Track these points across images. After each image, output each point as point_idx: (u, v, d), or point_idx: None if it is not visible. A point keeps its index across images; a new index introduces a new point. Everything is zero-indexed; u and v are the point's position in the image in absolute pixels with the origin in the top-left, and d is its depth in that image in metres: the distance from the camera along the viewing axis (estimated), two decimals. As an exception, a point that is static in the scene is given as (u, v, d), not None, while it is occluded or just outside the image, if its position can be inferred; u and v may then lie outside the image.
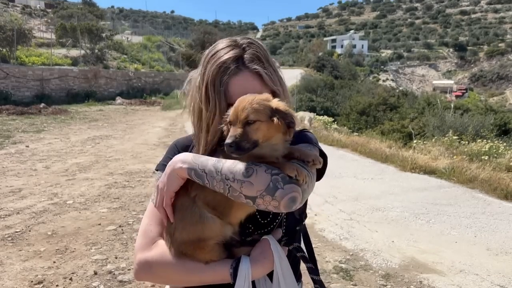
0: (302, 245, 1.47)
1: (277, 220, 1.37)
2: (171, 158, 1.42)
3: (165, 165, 1.41)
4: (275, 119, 1.20)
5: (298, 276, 1.49)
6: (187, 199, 1.29)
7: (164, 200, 1.30)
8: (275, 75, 1.42)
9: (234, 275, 1.24)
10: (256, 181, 1.15)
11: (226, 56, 1.35)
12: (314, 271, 1.35)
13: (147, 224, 1.38)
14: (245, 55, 1.36)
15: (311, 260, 1.43)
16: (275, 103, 1.24)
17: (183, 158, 1.28)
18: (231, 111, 1.23)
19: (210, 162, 1.23)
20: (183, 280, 1.32)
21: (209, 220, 1.25)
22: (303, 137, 1.45)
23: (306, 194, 1.21)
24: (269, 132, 1.21)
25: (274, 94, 1.36)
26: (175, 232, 1.29)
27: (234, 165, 1.19)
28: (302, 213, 1.47)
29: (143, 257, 1.34)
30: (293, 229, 1.44)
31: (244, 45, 1.38)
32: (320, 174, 1.42)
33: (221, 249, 1.28)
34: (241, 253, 1.29)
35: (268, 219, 1.36)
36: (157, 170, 1.50)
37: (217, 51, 1.39)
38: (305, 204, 1.47)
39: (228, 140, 1.15)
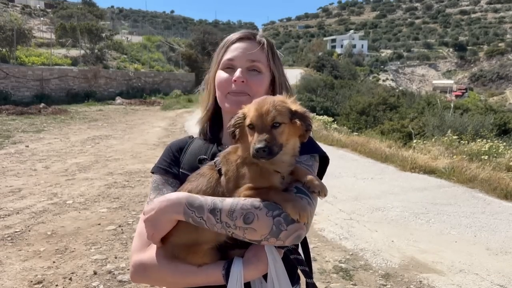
0: (300, 249, 1.45)
1: None
2: (166, 160, 1.51)
3: (160, 168, 1.49)
4: (297, 122, 1.22)
5: (295, 279, 1.47)
6: None
7: (153, 240, 1.31)
8: (279, 63, 1.55)
9: (227, 276, 1.25)
10: (259, 227, 1.17)
11: (237, 34, 1.54)
12: (307, 274, 1.33)
13: (143, 226, 1.37)
14: (256, 35, 1.54)
15: (307, 262, 1.42)
16: (294, 104, 1.26)
17: (171, 202, 1.25)
18: (251, 113, 1.22)
19: (207, 207, 1.21)
20: (177, 283, 1.33)
21: (204, 229, 1.25)
22: (305, 144, 1.42)
23: (310, 224, 1.25)
24: (289, 135, 1.23)
25: (273, 80, 1.52)
26: (169, 237, 1.30)
27: (233, 211, 1.19)
28: None
29: (138, 259, 1.36)
30: None
31: (256, 34, 1.55)
32: (320, 176, 1.45)
33: (215, 252, 1.29)
34: (235, 254, 1.29)
35: None
36: (152, 173, 1.52)
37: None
38: None
39: (259, 145, 1.15)
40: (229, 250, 1.31)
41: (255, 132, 1.20)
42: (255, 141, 1.18)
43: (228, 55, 1.48)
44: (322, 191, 1.26)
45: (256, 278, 1.29)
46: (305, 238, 1.50)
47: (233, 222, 1.18)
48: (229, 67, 1.48)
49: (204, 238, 1.27)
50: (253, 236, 1.18)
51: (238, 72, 1.45)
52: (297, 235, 1.18)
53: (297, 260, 1.33)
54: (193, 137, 1.68)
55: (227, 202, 1.21)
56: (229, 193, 1.26)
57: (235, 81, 1.44)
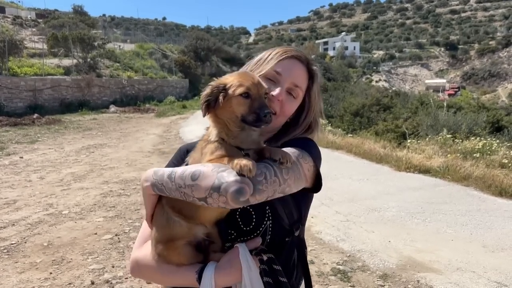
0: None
1: (260, 228, 1.34)
2: (173, 162, 1.58)
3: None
4: None
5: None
6: (159, 204, 1.35)
7: (146, 220, 1.41)
8: (318, 100, 1.56)
9: (199, 280, 1.26)
10: (203, 181, 1.16)
11: (294, 52, 1.52)
12: (287, 285, 1.27)
13: (145, 224, 1.46)
14: (311, 64, 1.55)
15: (305, 276, 1.42)
16: None
17: (146, 176, 1.33)
18: (246, 82, 1.25)
19: (166, 173, 1.26)
20: (161, 281, 1.40)
21: (175, 222, 1.29)
22: (301, 143, 1.43)
23: (265, 187, 1.17)
24: None
25: (302, 109, 1.53)
26: (153, 234, 1.37)
27: (184, 172, 1.21)
28: (294, 223, 1.41)
29: (134, 256, 1.45)
30: (281, 239, 1.38)
31: (311, 61, 1.56)
32: (317, 186, 1.42)
33: (193, 252, 1.30)
34: (213, 259, 1.30)
35: (251, 226, 1.33)
36: None
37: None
38: (299, 214, 1.43)
39: (268, 110, 1.23)
40: (212, 253, 1.32)
41: (252, 100, 1.24)
42: (260, 106, 1.22)
43: (278, 68, 1.46)
44: (283, 158, 1.22)
45: (230, 285, 1.27)
46: (302, 251, 1.46)
47: (183, 181, 1.19)
48: (271, 79, 1.46)
49: (175, 233, 1.30)
50: (199, 193, 1.17)
51: (278, 90, 1.43)
52: (238, 188, 1.12)
53: (268, 284, 1.25)
54: None
55: (183, 167, 1.26)
56: None
57: (272, 95, 1.43)
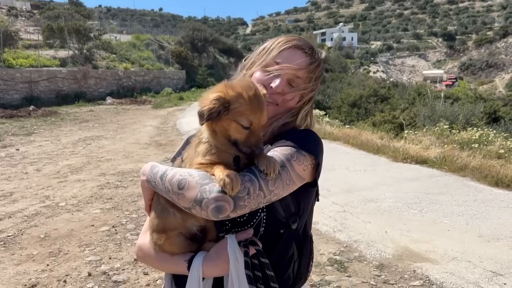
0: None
1: (254, 220, 1.33)
2: (180, 152, 1.58)
3: (175, 158, 1.58)
4: None
5: (290, 283, 1.41)
6: (156, 194, 1.37)
7: (145, 210, 1.46)
8: (317, 84, 1.53)
9: (189, 268, 1.28)
10: (188, 192, 1.19)
11: (296, 41, 1.50)
12: (273, 279, 1.25)
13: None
14: (314, 52, 1.51)
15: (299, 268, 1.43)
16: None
17: (143, 169, 1.37)
18: (250, 113, 1.20)
19: (159, 173, 1.29)
20: (158, 267, 1.47)
21: (169, 213, 1.31)
22: (299, 136, 1.41)
23: (248, 202, 1.17)
24: None
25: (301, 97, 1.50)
26: (149, 222, 1.40)
27: (173, 177, 1.23)
28: (290, 216, 1.38)
29: (138, 242, 1.49)
30: (275, 232, 1.36)
31: (314, 49, 1.53)
32: (314, 182, 1.42)
33: (186, 242, 1.32)
34: (205, 248, 1.31)
35: (245, 217, 1.32)
36: (171, 161, 1.61)
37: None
38: (298, 207, 1.40)
39: (261, 146, 1.25)
40: (204, 243, 1.33)
41: (251, 132, 1.22)
42: (256, 143, 1.22)
43: (278, 58, 1.44)
44: (267, 168, 1.20)
45: (218, 275, 1.28)
46: (303, 244, 1.44)
47: (171, 187, 1.22)
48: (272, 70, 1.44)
49: (169, 223, 1.32)
50: (184, 202, 1.20)
51: (278, 82, 1.42)
52: (217, 206, 1.14)
53: (248, 277, 1.23)
54: None
55: (175, 169, 1.27)
56: None
57: (272, 87, 1.42)
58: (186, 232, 1.31)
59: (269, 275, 1.26)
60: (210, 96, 1.22)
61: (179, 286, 1.40)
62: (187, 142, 1.60)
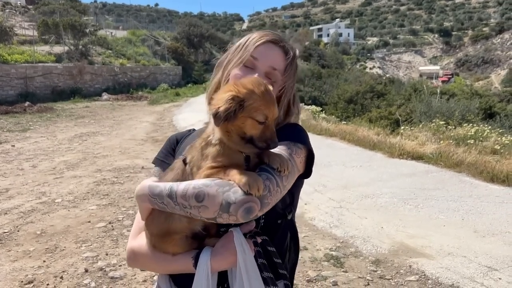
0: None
1: None
2: (163, 152, 1.60)
3: (158, 159, 1.58)
4: None
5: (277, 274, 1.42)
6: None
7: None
8: (293, 75, 1.54)
9: (195, 265, 1.28)
10: (210, 203, 1.17)
11: (268, 36, 1.51)
12: (272, 280, 1.28)
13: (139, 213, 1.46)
14: (286, 44, 1.53)
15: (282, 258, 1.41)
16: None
17: (140, 192, 1.34)
18: (266, 109, 1.21)
19: (165, 192, 1.25)
20: (157, 269, 1.43)
21: (175, 219, 1.29)
22: (291, 131, 1.44)
23: (270, 199, 1.20)
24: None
25: (281, 90, 1.51)
26: (148, 227, 1.37)
27: (186, 191, 1.21)
28: (286, 207, 1.43)
29: (129, 245, 1.46)
30: (273, 222, 1.41)
31: (286, 42, 1.55)
32: (307, 172, 1.44)
33: (188, 241, 1.32)
34: (209, 244, 1.31)
35: None
36: (153, 163, 1.61)
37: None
38: (292, 198, 1.45)
39: (276, 140, 1.24)
40: (207, 238, 1.33)
41: (266, 126, 1.23)
42: (271, 137, 1.23)
43: (255, 54, 1.46)
44: (281, 166, 1.24)
45: (226, 268, 1.30)
46: (295, 233, 1.49)
47: (188, 202, 1.20)
48: (249, 66, 1.47)
49: (174, 228, 1.30)
50: (207, 214, 1.18)
51: (256, 75, 1.43)
52: (246, 208, 1.15)
53: (262, 265, 1.28)
54: (194, 130, 1.70)
55: (182, 184, 1.24)
56: (193, 177, 1.28)
57: None
58: (190, 233, 1.31)
59: (277, 263, 1.32)
60: (223, 96, 1.21)
61: (178, 284, 1.40)
62: (170, 142, 1.62)
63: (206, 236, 1.33)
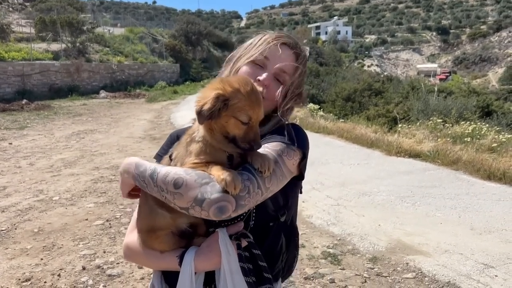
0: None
1: (244, 214, 1.33)
2: (164, 148, 1.59)
3: (158, 155, 1.58)
4: None
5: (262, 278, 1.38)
6: (143, 194, 1.35)
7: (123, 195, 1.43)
8: (303, 76, 1.54)
9: (180, 264, 1.28)
10: (186, 192, 1.16)
11: (283, 38, 1.51)
12: (251, 285, 1.25)
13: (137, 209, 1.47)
14: (299, 47, 1.54)
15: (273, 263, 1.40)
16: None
17: (126, 167, 1.33)
18: (249, 109, 1.20)
19: (148, 171, 1.25)
20: (148, 265, 1.47)
21: (158, 214, 1.29)
22: (289, 132, 1.42)
23: (248, 201, 1.18)
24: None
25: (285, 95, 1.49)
26: (137, 222, 1.40)
27: (167, 175, 1.20)
28: (279, 209, 1.40)
29: (126, 241, 1.48)
30: (264, 225, 1.38)
31: (298, 45, 1.55)
32: (300, 176, 1.43)
33: (175, 239, 1.31)
34: (196, 243, 1.31)
35: None
36: (154, 158, 1.60)
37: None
38: (286, 200, 1.42)
39: (259, 141, 1.23)
40: (194, 238, 1.33)
41: (249, 127, 1.21)
42: (255, 138, 1.21)
43: (266, 53, 1.46)
44: (262, 166, 1.21)
45: (210, 269, 1.29)
46: (291, 236, 1.46)
47: (166, 186, 1.19)
48: (259, 64, 1.47)
49: (158, 224, 1.31)
50: (181, 202, 1.17)
51: (265, 75, 1.44)
52: (220, 206, 1.13)
53: (243, 270, 1.26)
54: None
55: (166, 167, 1.24)
56: None
57: (259, 80, 1.43)
58: (176, 230, 1.31)
59: (262, 266, 1.28)
60: (208, 94, 1.20)
61: (169, 283, 1.41)
62: (171, 138, 1.61)
63: (194, 234, 1.33)
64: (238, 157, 1.26)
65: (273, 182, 1.26)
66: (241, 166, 1.24)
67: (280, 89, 1.47)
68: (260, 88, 1.30)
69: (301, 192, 1.58)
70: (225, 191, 1.13)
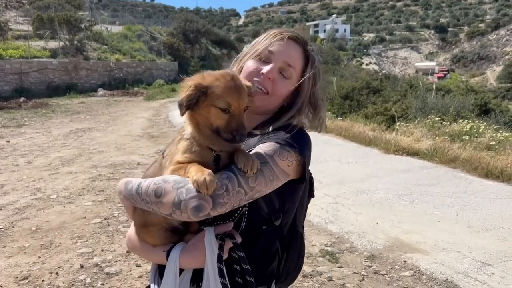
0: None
1: (236, 214, 1.32)
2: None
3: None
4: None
5: (261, 279, 1.36)
6: None
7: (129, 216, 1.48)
8: (316, 79, 1.50)
9: (167, 259, 1.30)
10: (166, 199, 1.19)
11: (290, 33, 1.50)
12: (249, 273, 1.26)
13: None
14: (308, 44, 1.52)
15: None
16: (245, 81, 1.33)
17: (119, 188, 1.38)
18: (226, 95, 1.20)
19: (134, 187, 1.29)
20: (143, 257, 1.52)
21: (150, 212, 1.30)
22: (288, 133, 1.37)
23: (227, 199, 1.18)
24: None
25: (298, 93, 1.48)
26: (133, 217, 1.43)
27: (148, 187, 1.24)
28: (273, 212, 1.36)
29: (128, 233, 1.51)
30: (257, 227, 1.35)
31: (307, 42, 1.55)
32: (302, 177, 1.39)
33: (167, 234, 1.34)
34: (185, 240, 1.33)
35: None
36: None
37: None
38: (282, 204, 1.37)
39: (244, 132, 1.21)
40: (186, 235, 1.35)
41: (231, 116, 1.20)
42: (238, 127, 1.19)
43: (271, 47, 1.45)
44: (245, 166, 1.20)
45: (195, 267, 1.30)
46: (286, 241, 1.41)
47: (149, 197, 1.22)
48: (265, 59, 1.45)
49: (150, 220, 1.34)
50: (164, 209, 1.20)
51: (269, 67, 1.42)
52: (195, 206, 1.15)
53: (241, 258, 1.27)
54: None
55: (148, 180, 1.27)
56: (165, 171, 1.29)
57: (262, 74, 1.42)
58: (168, 226, 1.34)
59: (245, 269, 1.27)
60: (187, 83, 1.22)
61: (162, 276, 1.40)
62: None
63: (186, 231, 1.35)
64: (226, 158, 1.26)
65: (260, 181, 1.23)
66: (227, 166, 1.24)
67: (285, 84, 1.45)
68: (248, 83, 1.30)
69: (313, 196, 1.57)
70: (198, 191, 1.15)
